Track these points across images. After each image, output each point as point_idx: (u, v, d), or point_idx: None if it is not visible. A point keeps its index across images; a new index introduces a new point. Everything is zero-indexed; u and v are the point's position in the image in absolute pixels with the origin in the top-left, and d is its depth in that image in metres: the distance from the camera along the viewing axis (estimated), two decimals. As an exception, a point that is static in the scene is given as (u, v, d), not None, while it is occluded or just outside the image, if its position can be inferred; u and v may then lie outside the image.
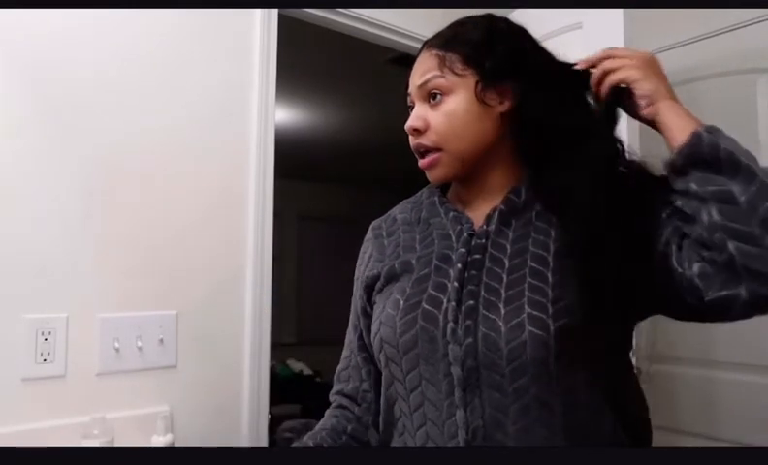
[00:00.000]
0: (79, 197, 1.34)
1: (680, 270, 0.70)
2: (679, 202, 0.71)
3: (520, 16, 1.02)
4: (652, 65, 0.77)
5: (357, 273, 0.94)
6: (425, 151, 0.82)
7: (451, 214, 0.85)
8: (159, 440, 1.30)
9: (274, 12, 1.65)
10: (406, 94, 0.86)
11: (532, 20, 0.91)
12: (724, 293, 0.66)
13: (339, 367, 0.95)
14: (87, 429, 1.21)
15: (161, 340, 1.42)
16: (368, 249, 0.93)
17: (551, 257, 0.76)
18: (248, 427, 1.53)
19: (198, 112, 1.51)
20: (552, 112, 0.78)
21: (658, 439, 0.86)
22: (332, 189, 6.07)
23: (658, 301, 0.75)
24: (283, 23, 1.68)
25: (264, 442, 1.55)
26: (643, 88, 0.76)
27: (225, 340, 1.53)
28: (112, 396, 1.34)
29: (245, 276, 1.56)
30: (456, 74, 0.80)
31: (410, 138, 0.84)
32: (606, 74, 0.79)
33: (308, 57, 2.79)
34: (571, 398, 0.73)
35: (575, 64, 0.83)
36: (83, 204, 1.35)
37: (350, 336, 0.94)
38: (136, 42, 1.43)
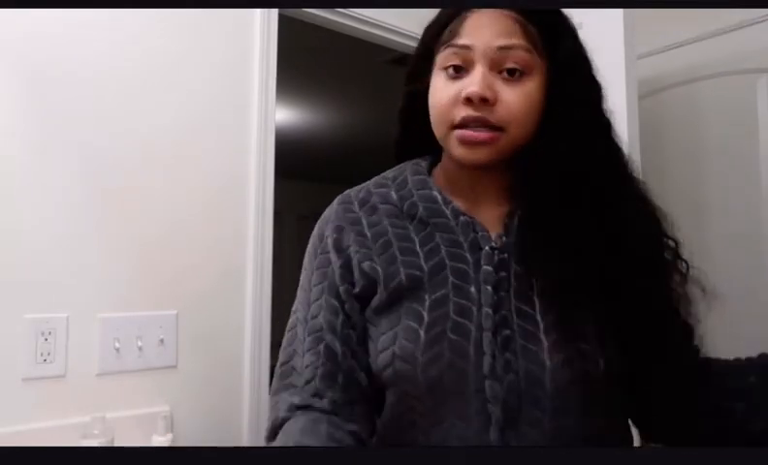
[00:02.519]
0: (79, 197, 1.34)
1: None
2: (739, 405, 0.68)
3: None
4: None
5: (322, 260, 0.75)
6: (480, 125, 0.66)
7: (461, 219, 0.71)
8: (159, 440, 1.30)
9: (274, 12, 1.65)
10: (447, 47, 0.68)
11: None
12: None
13: (307, 376, 0.72)
14: (87, 429, 1.21)
15: (161, 340, 1.42)
16: (339, 232, 0.75)
17: None
18: (248, 427, 1.53)
19: (198, 112, 1.51)
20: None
21: (659, 439, 0.86)
22: (332, 189, 5.90)
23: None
24: (283, 23, 1.68)
25: (264, 442, 1.54)
26: None
27: (225, 340, 1.53)
28: (112, 396, 1.34)
29: (246, 276, 1.56)
30: (539, 52, 0.67)
31: (461, 106, 0.66)
32: None
33: (308, 57, 2.79)
34: (607, 431, 0.70)
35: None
36: (84, 204, 1.35)
37: (325, 341, 0.73)
38: (135, 41, 1.43)
